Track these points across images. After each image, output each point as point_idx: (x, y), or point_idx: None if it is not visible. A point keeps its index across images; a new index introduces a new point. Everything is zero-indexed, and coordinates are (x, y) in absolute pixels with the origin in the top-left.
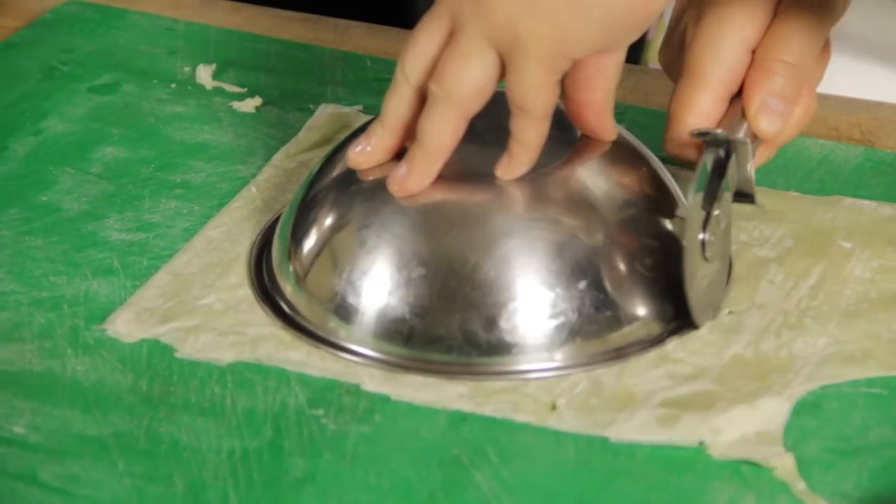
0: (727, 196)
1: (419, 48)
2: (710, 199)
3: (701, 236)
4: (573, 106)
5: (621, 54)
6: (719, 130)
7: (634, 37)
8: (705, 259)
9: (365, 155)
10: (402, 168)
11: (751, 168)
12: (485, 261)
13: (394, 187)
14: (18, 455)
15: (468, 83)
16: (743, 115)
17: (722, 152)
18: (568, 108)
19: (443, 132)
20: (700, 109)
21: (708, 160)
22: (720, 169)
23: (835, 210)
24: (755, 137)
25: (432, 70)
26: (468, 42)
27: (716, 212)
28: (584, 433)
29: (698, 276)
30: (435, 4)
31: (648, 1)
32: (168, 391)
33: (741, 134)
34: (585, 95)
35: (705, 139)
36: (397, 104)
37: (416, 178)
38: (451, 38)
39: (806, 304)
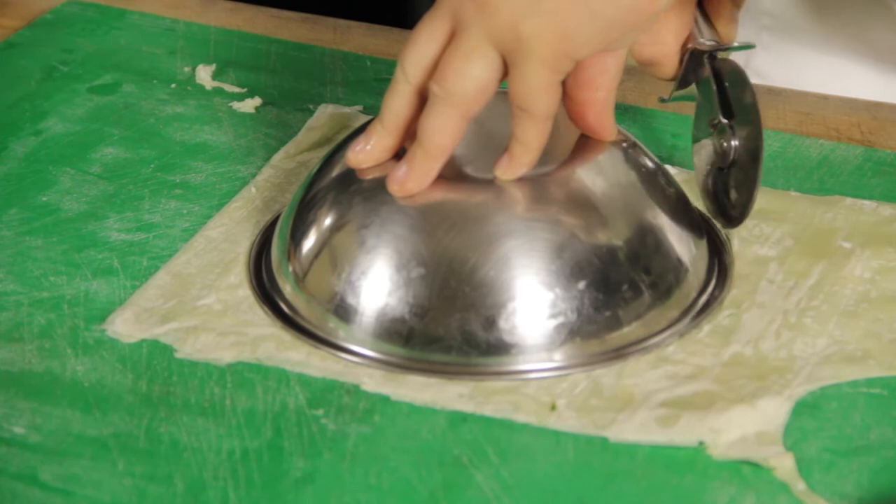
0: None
1: (420, 48)
2: (722, 106)
3: (724, 143)
4: (574, 105)
5: (623, 53)
6: (735, 44)
7: (637, 36)
8: (729, 164)
9: (364, 154)
10: (401, 168)
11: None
12: (484, 261)
13: (393, 187)
14: (18, 455)
15: (470, 83)
16: (708, 23)
17: (708, 61)
18: (568, 108)
19: (443, 132)
20: (682, 18)
21: (709, 75)
22: (719, 78)
23: (835, 210)
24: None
25: (433, 70)
26: (470, 42)
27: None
28: (584, 433)
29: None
30: (436, 4)
31: (651, 0)
32: (168, 391)
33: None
34: (587, 95)
35: (717, 52)
36: (397, 104)
37: (415, 178)
38: (452, 38)
39: (806, 304)
